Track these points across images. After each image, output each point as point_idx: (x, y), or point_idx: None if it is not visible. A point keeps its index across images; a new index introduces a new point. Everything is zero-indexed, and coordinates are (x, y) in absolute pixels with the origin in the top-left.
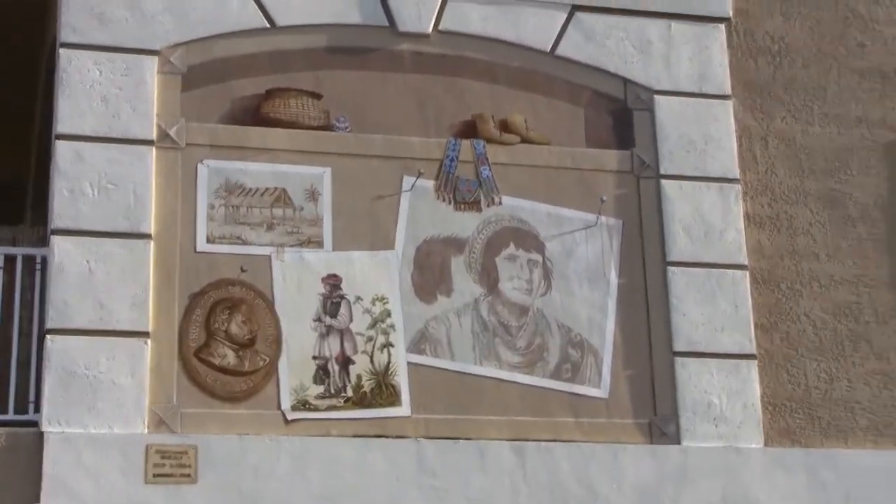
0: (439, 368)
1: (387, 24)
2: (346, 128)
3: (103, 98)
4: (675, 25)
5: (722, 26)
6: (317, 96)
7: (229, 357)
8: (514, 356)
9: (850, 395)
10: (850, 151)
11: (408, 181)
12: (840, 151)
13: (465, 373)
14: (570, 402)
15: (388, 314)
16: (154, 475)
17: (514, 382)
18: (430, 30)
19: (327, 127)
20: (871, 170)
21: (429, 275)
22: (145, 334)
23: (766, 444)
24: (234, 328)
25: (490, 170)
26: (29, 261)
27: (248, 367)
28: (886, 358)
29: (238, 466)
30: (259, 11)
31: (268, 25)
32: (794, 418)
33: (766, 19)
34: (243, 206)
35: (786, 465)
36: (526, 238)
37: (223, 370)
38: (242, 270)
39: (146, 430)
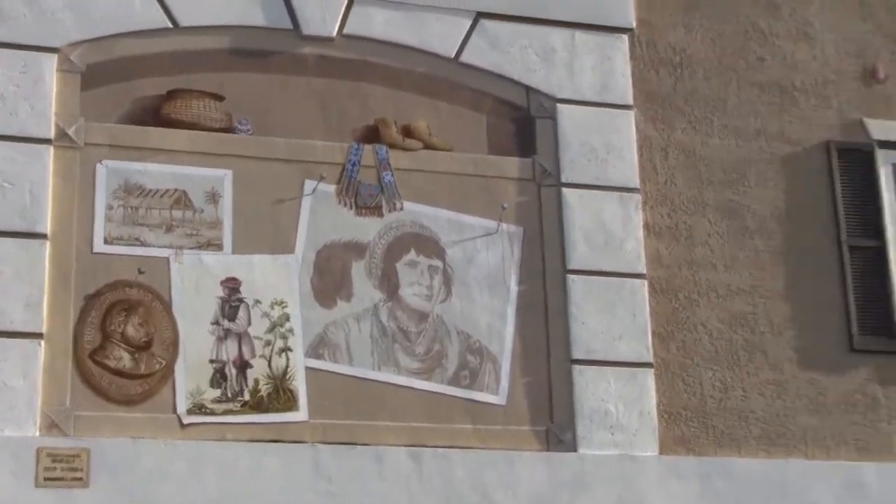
0: (337, 373)
1: (291, 27)
2: (248, 130)
3: (0, 95)
4: (579, 35)
5: (625, 37)
6: (219, 98)
7: (125, 359)
8: (412, 362)
9: (745, 405)
10: (749, 163)
11: (309, 185)
12: (738, 163)
13: (363, 378)
14: (468, 408)
15: (287, 318)
16: (45, 479)
17: (413, 388)
18: (335, 34)
19: (229, 129)
20: (768, 182)
21: (329, 279)
22: (39, 335)
23: (661, 453)
24: (131, 330)
25: (392, 175)
26: None
27: (143, 370)
28: (780, 368)
29: (132, 470)
30: (162, 11)
31: (171, 25)
32: (688, 427)
33: (668, 31)
34: (142, 207)
35: (680, 473)
36: (427, 244)
37: (118, 373)
38: (140, 272)
39: (38, 433)
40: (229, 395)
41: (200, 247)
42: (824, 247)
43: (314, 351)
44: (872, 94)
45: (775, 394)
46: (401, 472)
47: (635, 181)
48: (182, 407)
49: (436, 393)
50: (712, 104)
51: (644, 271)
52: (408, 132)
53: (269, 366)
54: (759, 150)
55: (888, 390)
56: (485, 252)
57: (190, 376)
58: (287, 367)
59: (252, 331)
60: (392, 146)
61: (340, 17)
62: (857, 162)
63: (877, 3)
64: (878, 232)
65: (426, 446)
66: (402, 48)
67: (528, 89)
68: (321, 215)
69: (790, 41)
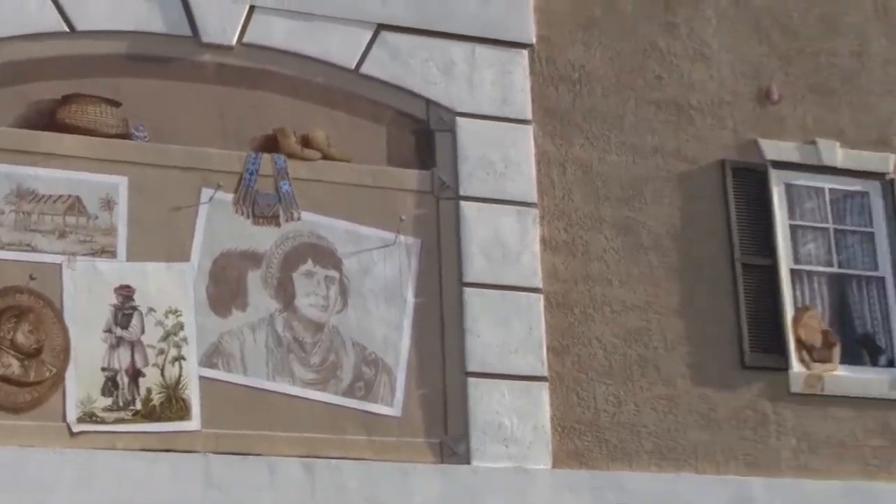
0: (231, 383)
1: (190, 34)
2: (145, 137)
3: None
4: (479, 49)
5: (525, 52)
6: (115, 104)
7: (14, 367)
8: (307, 372)
9: (637, 419)
10: (645, 181)
11: (206, 193)
12: (635, 180)
13: (257, 388)
14: (363, 419)
15: (182, 327)
16: None
17: (307, 399)
18: (235, 42)
19: (125, 135)
20: (664, 199)
21: (224, 288)
22: None
23: (554, 466)
24: (21, 337)
25: (290, 185)
26: None
27: (33, 378)
28: (672, 383)
29: (19, 479)
30: (58, 15)
31: (67, 29)
32: (582, 440)
33: (567, 47)
34: (35, 212)
35: (572, 486)
36: (324, 254)
37: (7, 380)
38: (32, 278)
39: None
40: (121, 403)
41: (94, 254)
42: (718, 264)
43: (208, 360)
44: (767, 115)
45: (667, 409)
46: (293, 483)
47: (533, 196)
48: (72, 415)
49: (330, 404)
50: (610, 121)
51: (540, 285)
52: (306, 142)
53: (162, 374)
54: (655, 167)
55: (777, 406)
56: (382, 264)
57: (81, 384)
58: (180, 375)
59: (145, 339)
60: (290, 156)
61: (240, 25)
62: (750, 181)
63: (772, 26)
64: (770, 251)
65: (320, 457)
66: (303, 58)
67: (428, 102)
68: (218, 224)
69: (687, 61)
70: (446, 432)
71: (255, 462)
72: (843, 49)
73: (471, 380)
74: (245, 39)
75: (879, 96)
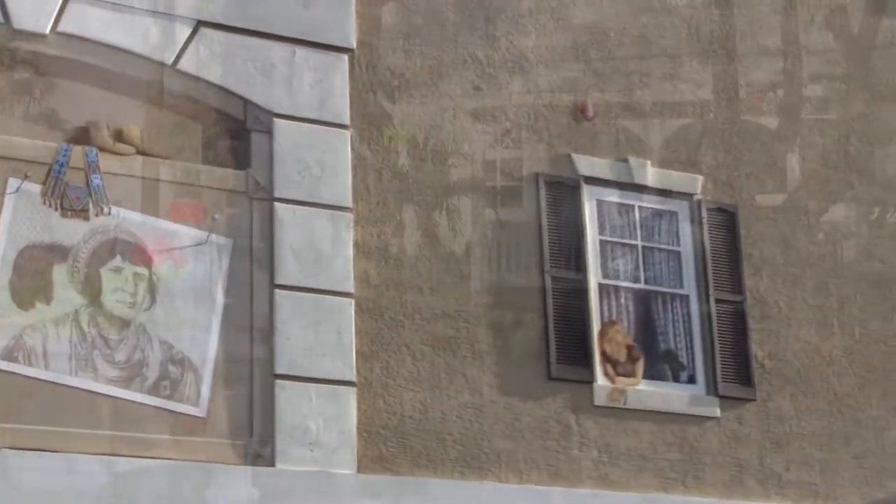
0: (31, 378)
1: (1, 20)
2: None
3: None
4: (300, 51)
5: (345, 57)
6: None
7: None
8: (111, 369)
9: (443, 427)
10: (460, 190)
11: (13, 183)
12: (450, 189)
13: (58, 383)
14: (167, 419)
15: None
16: None
17: (110, 396)
18: (48, 30)
19: None
20: (478, 209)
21: (28, 281)
22: None
23: (358, 471)
24: None
25: (101, 179)
26: None
27: None
28: (479, 392)
29: None
30: None
31: None
32: (387, 446)
33: (388, 54)
34: None
35: (377, 491)
36: (133, 251)
37: None
38: None
39: None
40: None
41: None
42: (528, 276)
43: (8, 353)
44: (581, 131)
45: (473, 417)
46: (93, 482)
47: (348, 200)
48: None
49: (134, 402)
50: (427, 129)
51: (352, 290)
52: (120, 136)
53: None
54: (470, 177)
55: (581, 418)
56: (192, 262)
57: None
58: None
59: None
60: (103, 149)
61: (55, 13)
62: (563, 195)
63: (589, 43)
64: (580, 265)
65: (121, 456)
66: (119, 51)
67: (246, 102)
68: (24, 215)
69: (506, 73)
70: (252, 434)
71: (54, 459)
72: (657, 70)
73: (278, 382)
74: (59, 28)
75: (690, 118)
